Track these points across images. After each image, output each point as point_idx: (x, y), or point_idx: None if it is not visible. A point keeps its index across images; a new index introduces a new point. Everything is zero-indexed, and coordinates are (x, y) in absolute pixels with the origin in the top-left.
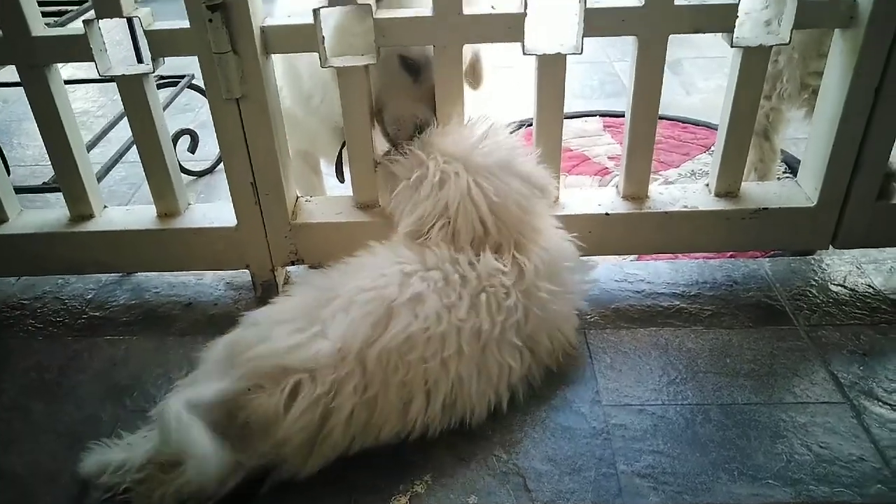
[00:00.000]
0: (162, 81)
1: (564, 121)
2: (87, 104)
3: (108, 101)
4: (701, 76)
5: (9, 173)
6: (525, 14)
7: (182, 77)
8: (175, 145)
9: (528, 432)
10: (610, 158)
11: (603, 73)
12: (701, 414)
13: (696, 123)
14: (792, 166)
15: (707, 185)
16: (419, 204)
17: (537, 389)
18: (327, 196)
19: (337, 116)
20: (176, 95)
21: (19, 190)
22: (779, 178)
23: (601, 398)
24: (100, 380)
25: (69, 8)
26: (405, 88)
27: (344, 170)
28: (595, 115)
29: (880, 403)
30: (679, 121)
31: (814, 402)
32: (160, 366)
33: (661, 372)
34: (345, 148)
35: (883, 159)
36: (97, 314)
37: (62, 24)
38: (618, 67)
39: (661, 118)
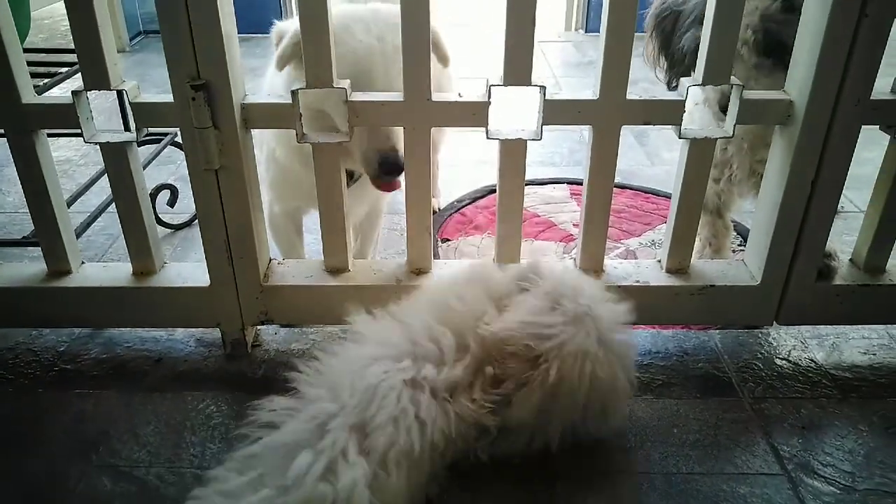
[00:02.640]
0: (145, 138)
1: (533, 187)
2: (70, 153)
3: (91, 149)
4: (666, 147)
5: None
6: (489, 103)
7: (165, 135)
8: (155, 199)
9: None
10: (575, 225)
11: (572, 141)
12: (646, 483)
13: (658, 194)
14: (746, 238)
15: (659, 260)
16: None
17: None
18: (299, 260)
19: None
20: (159, 152)
21: None
22: (734, 251)
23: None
24: (68, 434)
25: (59, 70)
26: (360, 131)
27: None
28: (562, 183)
29: (816, 476)
30: (642, 191)
31: (754, 473)
32: (128, 421)
33: (611, 441)
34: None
35: (820, 245)
36: (68, 367)
37: (52, 86)
38: (587, 136)
39: (625, 188)
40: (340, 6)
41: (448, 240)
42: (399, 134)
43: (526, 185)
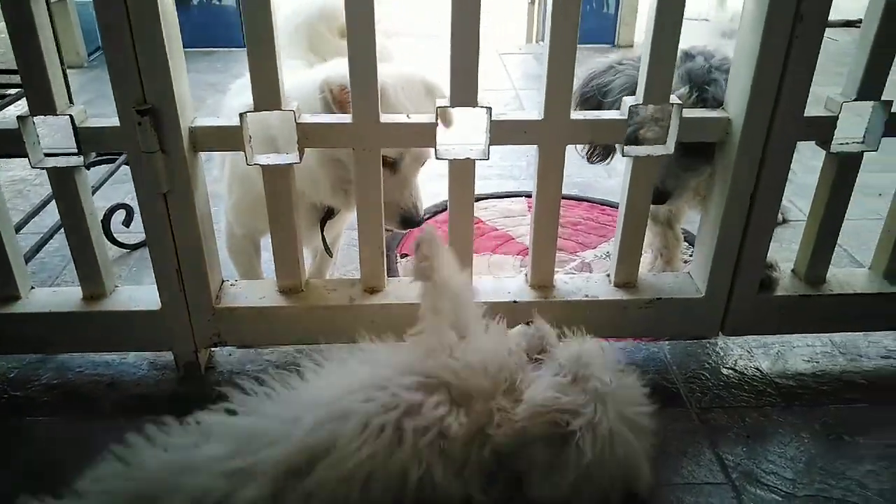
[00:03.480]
0: (99, 158)
1: (491, 201)
2: (25, 172)
3: None
4: (622, 160)
5: None
6: (436, 124)
7: (120, 154)
8: (110, 219)
9: None
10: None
11: (531, 154)
12: None
13: (614, 206)
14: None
15: (608, 275)
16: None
17: None
18: (251, 281)
19: (321, 196)
20: (112, 172)
21: None
22: (685, 261)
23: None
24: (18, 463)
25: (8, 91)
26: (386, 182)
27: (329, 245)
28: (521, 196)
29: (759, 484)
30: (598, 203)
31: (699, 482)
32: (79, 449)
33: None
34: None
35: (761, 257)
36: (18, 393)
37: (2, 108)
38: None
39: (581, 200)
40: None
41: (407, 255)
42: (418, 186)
43: (484, 198)
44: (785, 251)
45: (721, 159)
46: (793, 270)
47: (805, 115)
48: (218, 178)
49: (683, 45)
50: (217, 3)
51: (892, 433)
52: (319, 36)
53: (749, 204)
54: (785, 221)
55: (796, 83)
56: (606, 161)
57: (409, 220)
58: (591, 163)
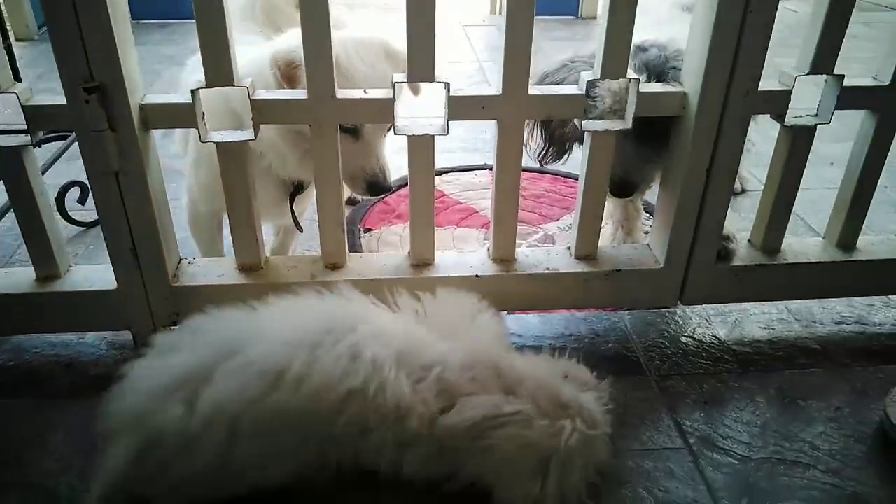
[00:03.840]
0: (52, 135)
1: (455, 174)
2: None
3: None
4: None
5: None
6: (394, 100)
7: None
8: (64, 197)
9: None
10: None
11: (489, 126)
12: None
13: (577, 178)
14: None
15: (569, 248)
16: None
17: None
18: (210, 259)
19: (289, 171)
20: (65, 149)
21: None
22: (646, 232)
23: None
24: None
25: None
26: (349, 149)
27: (298, 220)
28: (485, 169)
29: (715, 448)
30: (561, 175)
31: (658, 448)
32: (37, 431)
33: None
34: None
35: (718, 228)
36: None
37: None
38: None
39: (545, 173)
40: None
41: (370, 229)
42: (384, 152)
43: (449, 171)
44: (744, 221)
45: (678, 133)
46: (749, 240)
47: (760, 89)
48: (178, 153)
49: (636, 37)
50: None
51: (842, 396)
52: (276, 8)
53: (706, 176)
54: (744, 191)
55: (751, 58)
56: (561, 161)
57: (376, 184)
58: (543, 165)
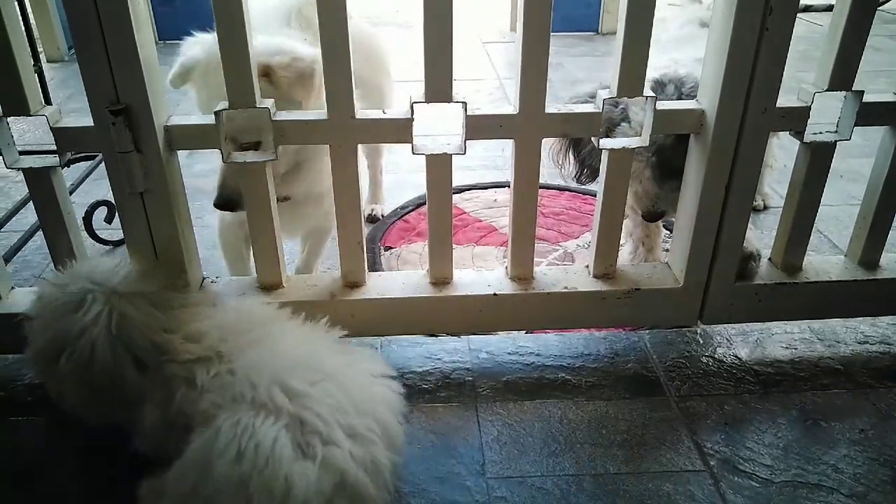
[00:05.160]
0: (79, 154)
1: (474, 192)
2: (5, 170)
3: None
4: None
5: None
6: (412, 119)
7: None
8: (91, 216)
9: None
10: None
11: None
12: (575, 484)
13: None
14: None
15: (587, 266)
16: None
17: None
18: (232, 278)
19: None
20: (93, 169)
21: None
22: (666, 250)
23: (486, 471)
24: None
25: None
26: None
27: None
28: (504, 187)
29: (737, 471)
30: (580, 193)
31: (678, 470)
32: (63, 446)
33: (543, 444)
34: None
35: (737, 246)
36: (1, 393)
37: None
38: None
39: (563, 190)
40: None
41: (391, 247)
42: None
43: (468, 189)
44: (766, 238)
45: (695, 151)
46: (770, 258)
47: (778, 105)
48: (204, 172)
49: (655, 67)
50: None
51: (867, 418)
52: (308, 20)
53: (724, 194)
54: (766, 208)
55: (768, 74)
56: (597, 180)
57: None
58: (582, 184)
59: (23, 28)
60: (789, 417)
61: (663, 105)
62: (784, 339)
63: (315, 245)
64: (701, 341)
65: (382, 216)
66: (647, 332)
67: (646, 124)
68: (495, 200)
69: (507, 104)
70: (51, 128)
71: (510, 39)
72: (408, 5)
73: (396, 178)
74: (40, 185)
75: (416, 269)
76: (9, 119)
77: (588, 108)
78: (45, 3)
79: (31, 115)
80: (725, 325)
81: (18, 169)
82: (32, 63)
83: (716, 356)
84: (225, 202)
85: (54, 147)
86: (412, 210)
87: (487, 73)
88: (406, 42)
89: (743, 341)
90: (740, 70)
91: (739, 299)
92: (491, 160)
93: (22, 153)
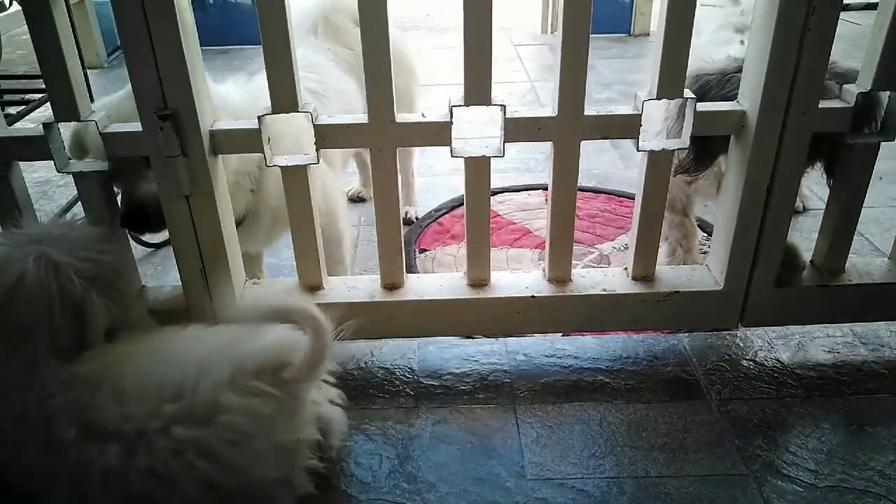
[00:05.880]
0: None
1: (508, 194)
2: (50, 173)
3: None
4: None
5: None
6: (451, 122)
7: None
8: None
9: None
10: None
11: (545, 146)
12: (616, 487)
13: (632, 197)
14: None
15: (625, 268)
16: None
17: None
18: (273, 280)
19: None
20: None
21: None
22: (704, 252)
23: (526, 472)
24: None
25: (33, 96)
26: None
27: None
28: (538, 189)
29: (780, 475)
30: (616, 195)
31: (720, 474)
32: None
33: (583, 446)
34: None
35: (778, 248)
36: None
37: (25, 114)
38: None
39: (599, 192)
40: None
41: (426, 250)
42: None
43: (502, 192)
44: (805, 241)
45: (736, 152)
46: (812, 261)
47: (820, 105)
48: None
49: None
50: (232, 0)
51: None
52: (336, 27)
53: (766, 195)
54: (805, 210)
55: (811, 75)
56: (703, 174)
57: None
58: (690, 174)
59: (73, 35)
60: (833, 422)
61: (703, 106)
62: (826, 342)
63: (333, 251)
64: (741, 344)
65: (416, 219)
66: (686, 334)
67: (686, 125)
68: (529, 203)
69: (539, 106)
70: (100, 133)
71: (541, 42)
72: (437, 10)
73: (429, 180)
74: (89, 189)
75: (450, 271)
76: (59, 124)
77: (627, 109)
78: (84, 11)
79: (81, 121)
80: (766, 329)
81: (68, 173)
82: (82, 68)
83: (756, 359)
84: (132, 216)
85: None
86: (446, 213)
87: (519, 75)
88: (437, 46)
89: (784, 345)
90: (782, 70)
91: (780, 302)
92: (523, 163)
93: (71, 158)
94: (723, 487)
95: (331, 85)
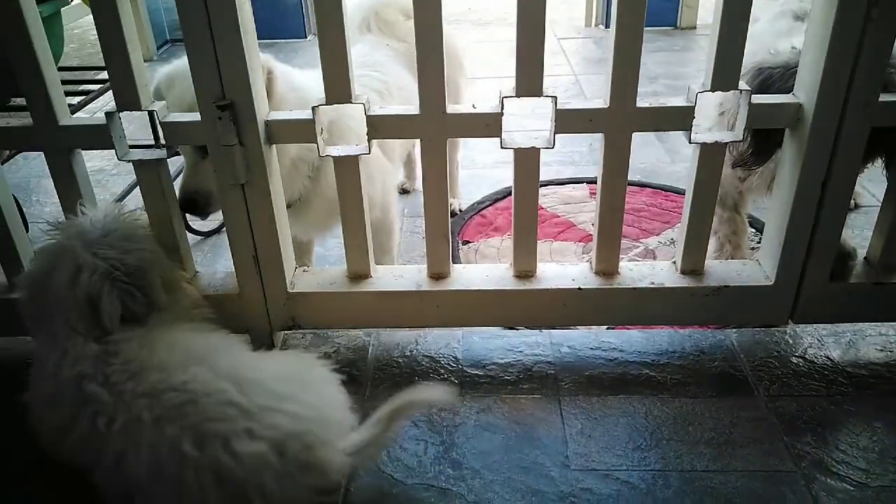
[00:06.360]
0: None
1: (552, 187)
2: (103, 163)
3: None
4: (686, 144)
5: (27, 230)
6: (501, 114)
7: None
8: None
9: (498, 492)
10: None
11: (592, 139)
12: (662, 480)
13: (677, 192)
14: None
15: (674, 262)
16: None
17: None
18: (322, 268)
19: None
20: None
21: None
22: (752, 248)
23: (570, 462)
24: None
25: (90, 87)
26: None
27: None
28: (582, 182)
29: (830, 473)
30: (661, 189)
31: (768, 470)
32: None
33: (628, 438)
34: None
35: (833, 244)
36: None
37: (84, 105)
38: None
39: (644, 186)
40: None
41: (469, 242)
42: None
43: (545, 185)
44: (857, 237)
45: (791, 145)
46: (866, 258)
47: (881, 100)
48: None
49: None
50: None
51: None
52: (388, 22)
53: (821, 190)
54: (857, 207)
55: (872, 67)
56: (762, 166)
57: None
58: (748, 167)
59: (134, 28)
60: (885, 421)
61: (758, 99)
62: (878, 340)
63: (383, 241)
64: (790, 341)
65: (460, 210)
66: (734, 330)
67: (739, 118)
68: (573, 196)
69: (584, 99)
70: (160, 122)
71: (585, 35)
72: (480, 4)
73: (472, 173)
74: (148, 177)
75: (493, 262)
76: (121, 114)
77: (680, 101)
78: (136, 6)
79: (141, 110)
80: (816, 326)
81: (129, 161)
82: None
83: (806, 356)
84: (186, 203)
85: (163, 141)
86: (489, 205)
87: (563, 69)
88: (480, 40)
89: (835, 342)
90: (841, 63)
91: (833, 299)
92: (567, 156)
93: (132, 146)
94: (770, 483)
95: (392, 83)
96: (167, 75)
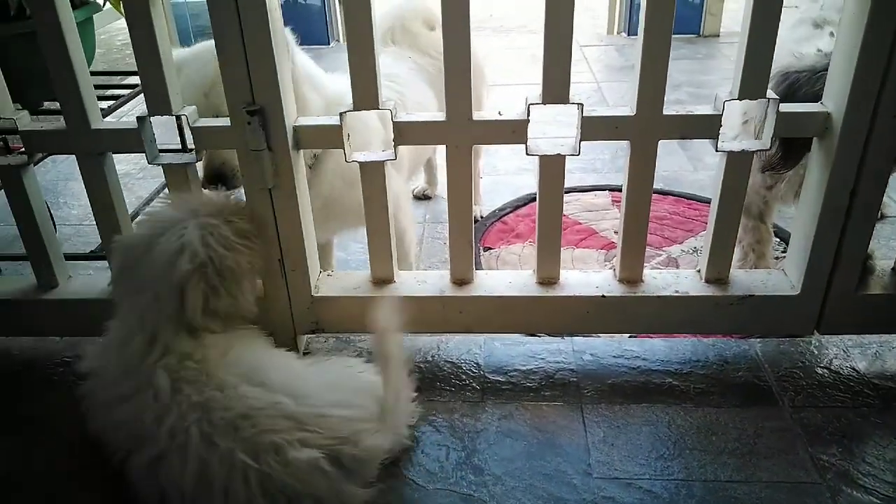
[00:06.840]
0: None
1: (574, 194)
2: (129, 167)
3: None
4: (709, 152)
5: (55, 232)
6: (528, 121)
7: None
8: None
9: (519, 499)
10: (616, 233)
11: (615, 146)
12: (685, 489)
13: (700, 200)
14: (787, 241)
15: (698, 270)
16: None
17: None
18: (346, 272)
19: None
20: None
21: (68, 257)
22: (776, 258)
23: (593, 471)
24: None
25: (121, 92)
26: None
27: None
28: (604, 190)
29: (856, 486)
30: (684, 197)
31: (792, 482)
32: None
33: (651, 447)
34: None
35: (860, 255)
36: None
37: (115, 109)
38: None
39: (667, 194)
40: None
41: (490, 248)
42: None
43: (567, 192)
44: (883, 248)
45: (819, 154)
46: (893, 269)
47: None
48: None
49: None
50: (302, 1)
51: None
52: (410, 33)
53: (849, 200)
54: (883, 217)
55: None
56: (791, 171)
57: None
58: (777, 172)
59: (167, 36)
60: None
61: (786, 108)
62: None
63: (398, 246)
64: (815, 352)
65: (481, 217)
66: (758, 340)
67: (767, 127)
68: (595, 204)
69: (607, 107)
70: (189, 127)
71: (607, 43)
72: (501, 10)
73: (493, 179)
74: (177, 180)
75: (515, 269)
76: (151, 118)
77: (707, 109)
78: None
79: (172, 115)
80: (841, 336)
81: (158, 165)
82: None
83: (832, 367)
84: (214, 175)
85: (192, 146)
86: (510, 212)
87: (585, 76)
88: (502, 47)
89: (861, 353)
90: (872, 71)
91: (860, 310)
92: (589, 163)
93: (161, 150)
94: (795, 495)
95: (409, 96)
96: (176, 61)
